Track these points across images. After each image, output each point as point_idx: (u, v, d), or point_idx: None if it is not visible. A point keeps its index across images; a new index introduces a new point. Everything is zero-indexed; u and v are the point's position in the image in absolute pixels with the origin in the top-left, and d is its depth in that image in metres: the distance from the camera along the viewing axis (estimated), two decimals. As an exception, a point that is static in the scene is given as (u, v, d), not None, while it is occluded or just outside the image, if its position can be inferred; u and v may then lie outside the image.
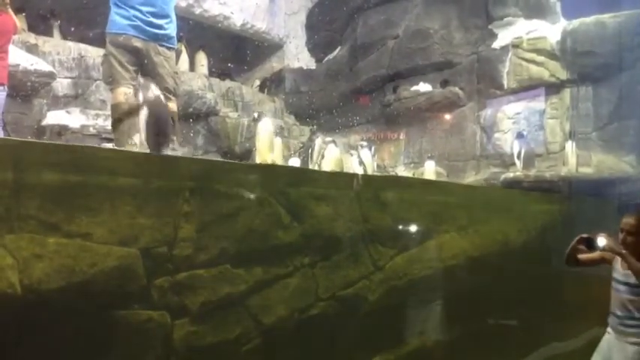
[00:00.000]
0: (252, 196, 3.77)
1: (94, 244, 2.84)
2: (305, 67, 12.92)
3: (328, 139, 7.96)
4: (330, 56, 12.80)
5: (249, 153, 8.31)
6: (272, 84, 12.32)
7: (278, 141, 7.78)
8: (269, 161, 6.91)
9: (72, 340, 2.74)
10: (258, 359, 3.59)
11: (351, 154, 8.23)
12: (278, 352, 3.77)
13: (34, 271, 2.63)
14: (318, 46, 13.09)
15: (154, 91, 4.36)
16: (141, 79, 4.87)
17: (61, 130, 7.13)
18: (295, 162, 8.21)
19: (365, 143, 9.23)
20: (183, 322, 3.22)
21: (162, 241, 3.16)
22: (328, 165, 6.73)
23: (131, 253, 2.98)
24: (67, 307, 2.73)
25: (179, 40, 5.68)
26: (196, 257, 3.33)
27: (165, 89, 5.33)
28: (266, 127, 6.89)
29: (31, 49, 7.41)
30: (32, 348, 2.62)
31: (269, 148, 6.96)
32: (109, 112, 6.52)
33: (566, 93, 9.14)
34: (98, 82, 7.68)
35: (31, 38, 7.63)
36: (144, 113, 4.23)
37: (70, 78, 7.77)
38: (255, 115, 7.97)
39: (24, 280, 2.60)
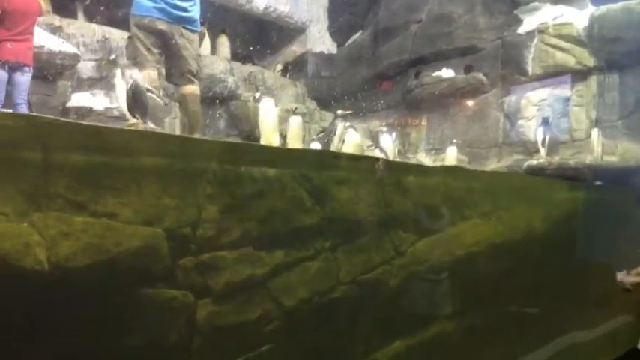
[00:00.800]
0: (274, 179, 3.77)
1: (120, 223, 2.87)
2: (327, 52, 12.89)
3: (347, 124, 7.95)
4: (352, 40, 12.73)
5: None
6: (294, 68, 12.31)
7: (297, 120, 7.70)
8: (274, 142, 6.93)
9: (97, 317, 2.78)
10: (279, 340, 3.61)
11: (374, 148, 8.22)
12: (299, 334, 3.79)
13: (61, 249, 2.67)
14: (340, 30, 13.05)
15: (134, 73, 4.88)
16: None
17: (85, 112, 7.21)
18: (316, 146, 8.22)
19: (385, 129, 9.21)
20: (206, 302, 3.25)
21: (186, 222, 3.18)
22: (348, 150, 6.73)
23: (156, 233, 3.01)
24: (93, 285, 2.77)
25: (202, 23, 5.70)
26: (219, 239, 3.35)
27: (188, 72, 5.38)
28: (267, 107, 6.86)
29: (56, 31, 7.48)
30: (59, 323, 2.67)
31: (273, 129, 6.96)
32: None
33: (593, 80, 9.03)
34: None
35: (56, 20, 7.71)
36: (125, 88, 4.74)
37: (94, 60, 7.83)
38: (256, 95, 7.97)
39: (51, 257, 2.64)
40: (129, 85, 4.61)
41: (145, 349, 3.00)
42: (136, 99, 4.68)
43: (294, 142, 7.45)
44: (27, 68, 5.90)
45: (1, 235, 2.53)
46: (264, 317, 3.56)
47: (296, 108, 7.65)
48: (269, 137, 7.06)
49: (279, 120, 7.37)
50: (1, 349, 2.52)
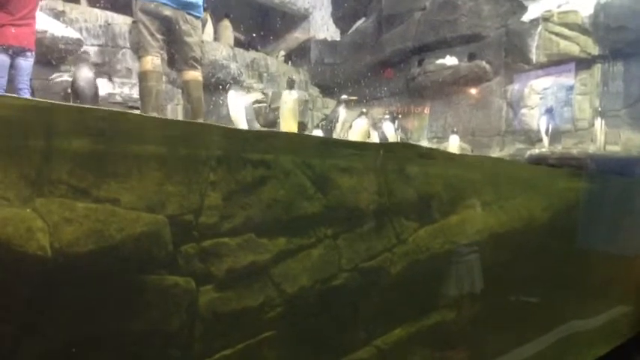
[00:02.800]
0: (277, 166, 3.77)
1: (123, 209, 2.87)
2: (330, 39, 12.84)
3: (364, 110, 7.89)
4: (355, 27, 12.67)
5: (273, 124, 8.28)
6: (297, 55, 12.29)
7: (291, 96, 7.50)
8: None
9: (100, 302, 2.79)
10: (281, 327, 3.62)
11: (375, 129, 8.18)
12: (300, 321, 3.81)
13: (64, 234, 2.67)
14: (343, 17, 12.99)
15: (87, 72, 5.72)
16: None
17: (88, 97, 7.19)
18: (319, 134, 8.20)
19: (387, 116, 9.18)
20: (208, 289, 3.26)
21: (189, 208, 3.18)
22: (355, 136, 6.72)
23: (158, 220, 3.01)
24: (95, 271, 2.78)
25: (204, 8, 5.68)
26: (222, 225, 3.36)
27: (191, 58, 5.36)
28: (232, 100, 6.84)
29: (59, 15, 7.45)
30: (61, 308, 2.68)
31: (239, 120, 6.93)
32: (135, 81, 6.57)
33: (597, 69, 8.99)
34: (125, 50, 7.72)
35: (59, 5, 7.68)
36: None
37: (96, 46, 7.82)
38: (227, 86, 7.90)
39: (54, 243, 2.64)
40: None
41: (147, 335, 3.01)
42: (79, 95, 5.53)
43: (288, 120, 7.32)
44: (29, 53, 5.87)
45: (4, 220, 2.53)
46: (266, 304, 3.57)
47: (293, 82, 7.43)
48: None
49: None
50: (2, 333, 2.53)
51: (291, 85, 7.84)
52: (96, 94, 5.80)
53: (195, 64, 5.46)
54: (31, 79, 5.96)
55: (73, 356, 2.73)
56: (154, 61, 5.11)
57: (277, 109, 8.41)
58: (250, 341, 3.50)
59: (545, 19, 9.35)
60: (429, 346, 4.59)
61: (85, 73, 5.57)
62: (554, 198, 6.13)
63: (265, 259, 3.58)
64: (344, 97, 8.65)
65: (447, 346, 4.74)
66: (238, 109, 6.87)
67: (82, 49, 7.07)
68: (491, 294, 5.07)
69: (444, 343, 4.71)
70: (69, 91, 7.04)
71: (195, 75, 5.51)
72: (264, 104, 9.11)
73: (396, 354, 4.33)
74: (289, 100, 7.62)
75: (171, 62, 5.55)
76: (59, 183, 2.73)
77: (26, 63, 5.84)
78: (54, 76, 6.94)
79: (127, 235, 2.88)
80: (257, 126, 7.09)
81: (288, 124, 7.39)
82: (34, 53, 5.91)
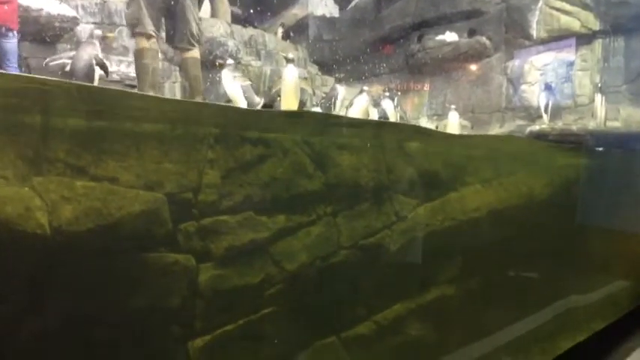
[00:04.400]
0: (276, 144, 3.75)
1: (122, 187, 2.87)
2: (328, 15, 12.71)
3: (365, 88, 7.81)
4: (354, 3, 12.55)
5: (272, 101, 8.22)
6: (295, 32, 12.17)
7: (292, 72, 7.35)
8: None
9: (100, 281, 2.80)
10: (280, 304, 3.64)
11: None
12: (300, 297, 3.82)
13: (62, 213, 2.67)
14: (342, -8, 12.85)
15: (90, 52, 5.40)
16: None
17: (85, 75, 7.12)
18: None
19: (387, 93, 9.12)
20: (208, 266, 3.27)
21: (188, 186, 3.18)
22: (355, 114, 6.67)
23: (157, 198, 3.01)
24: (95, 249, 2.78)
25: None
26: (221, 203, 3.36)
27: (190, 35, 5.30)
28: (225, 78, 6.77)
29: (54, -7, 7.35)
30: (62, 287, 2.69)
31: (234, 98, 6.85)
32: (131, 59, 6.51)
33: (597, 44, 8.91)
34: (121, 27, 7.64)
35: (54, -18, 7.56)
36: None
37: (93, 23, 7.73)
38: (228, 61, 7.76)
39: (53, 221, 2.64)
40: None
41: (148, 312, 3.03)
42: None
43: (288, 98, 7.22)
44: (11, 33, 5.63)
45: (2, 199, 2.52)
46: (266, 281, 3.59)
47: (292, 59, 7.30)
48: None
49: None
50: (3, 312, 2.54)
51: (291, 62, 7.73)
52: (92, 74, 5.68)
53: (194, 42, 5.41)
54: (26, 58, 5.86)
55: (74, 333, 2.75)
56: (149, 38, 5.06)
57: (274, 87, 8.36)
58: (251, 317, 3.53)
59: (546, -7, 9.26)
60: (429, 322, 4.62)
61: (83, 54, 5.47)
62: (554, 174, 6.13)
63: (265, 236, 3.59)
64: (337, 75, 8.57)
65: (447, 321, 4.77)
66: (234, 87, 6.79)
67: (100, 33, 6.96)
68: (490, 269, 5.09)
69: (443, 318, 4.74)
70: (66, 70, 6.99)
71: (193, 53, 5.47)
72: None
73: (395, 329, 4.37)
74: (290, 77, 7.52)
75: (170, 39, 5.49)
76: (56, 161, 2.72)
77: (9, 44, 5.59)
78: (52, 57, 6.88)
79: (126, 213, 2.88)
80: (257, 100, 7.00)
81: (288, 102, 7.32)
82: (16, 33, 5.67)
